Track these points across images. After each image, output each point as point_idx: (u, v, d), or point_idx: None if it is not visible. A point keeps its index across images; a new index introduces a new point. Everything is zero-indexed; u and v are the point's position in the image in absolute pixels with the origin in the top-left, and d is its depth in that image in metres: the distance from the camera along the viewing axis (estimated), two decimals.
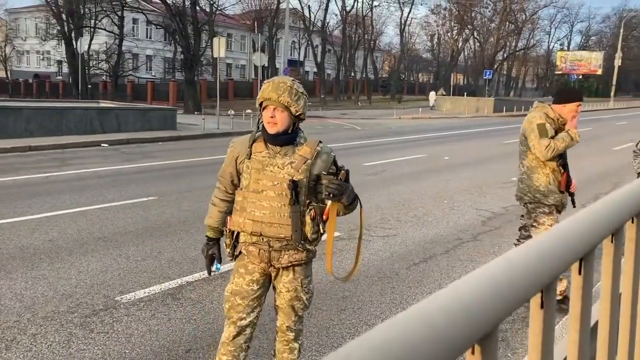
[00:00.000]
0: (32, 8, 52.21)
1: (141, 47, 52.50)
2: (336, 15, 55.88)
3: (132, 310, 4.33)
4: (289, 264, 2.70)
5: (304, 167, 2.61)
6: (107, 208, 7.81)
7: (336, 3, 56.40)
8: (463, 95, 48.78)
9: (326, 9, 51.84)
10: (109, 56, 43.26)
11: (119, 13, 41.08)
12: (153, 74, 52.48)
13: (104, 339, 3.86)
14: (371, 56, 57.65)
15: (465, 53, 68.43)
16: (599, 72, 67.95)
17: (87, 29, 41.61)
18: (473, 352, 0.61)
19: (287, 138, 2.63)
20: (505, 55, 67.66)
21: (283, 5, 40.67)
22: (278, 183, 2.60)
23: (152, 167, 11.94)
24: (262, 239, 2.65)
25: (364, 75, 56.42)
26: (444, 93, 48.35)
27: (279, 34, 48.83)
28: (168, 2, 34.19)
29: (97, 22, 42.14)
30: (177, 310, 4.38)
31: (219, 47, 19.73)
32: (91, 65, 43.36)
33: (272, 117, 2.56)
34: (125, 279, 5.03)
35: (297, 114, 2.59)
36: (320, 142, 2.72)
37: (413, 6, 57.88)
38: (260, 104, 2.62)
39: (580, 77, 70.28)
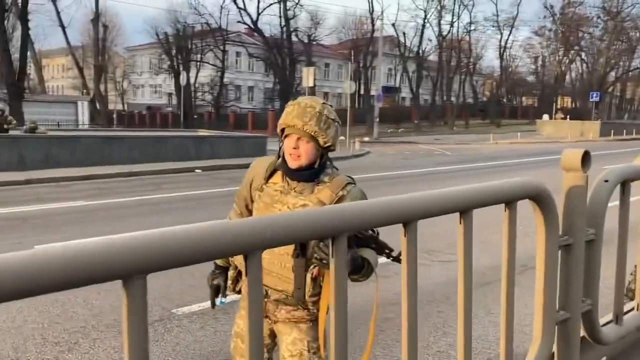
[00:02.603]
0: (146, 45, 56.78)
1: (243, 79, 55.28)
2: (431, 40, 55.62)
3: (183, 322, 4.64)
4: (287, 320, 2.31)
5: None
6: None
7: (432, 29, 56.08)
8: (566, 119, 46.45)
9: (421, 35, 51.88)
10: (212, 88, 45.90)
11: (222, 47, 43.62)
12: (254, 104, 54.94)
13: (153, 347, 4.17)
14: (470, 80, 56.74)
15: (573, 75, 65.41)
16: None
17: (193, 62, 44.65)
18: None
19: (309, 174, 2.19)
20: (617, 75, 63.76)
21: (378, 34, 41.30)
22: None
23: None
24: None
25: (461, 100, 55.55)
26: (563, 116, 45.23)
27: (374, 61, 49.51)
28: (266, 35, 36.01)
29: (202, 56, 45.07)
30: (225, 323, 4.62)
31: (308, 77, 20.42)
32: (197, 97, 46.31)
33: (295, 148, 2.14)
34: (185, 293, 5.39)
35: (326, 145, 2.16)
36: (351, 182, 2.23)
37: (513, 29, 56.30)
38: (282, 131, 2.20)
39: None
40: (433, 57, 56.62)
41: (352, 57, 51.76)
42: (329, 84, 62.27)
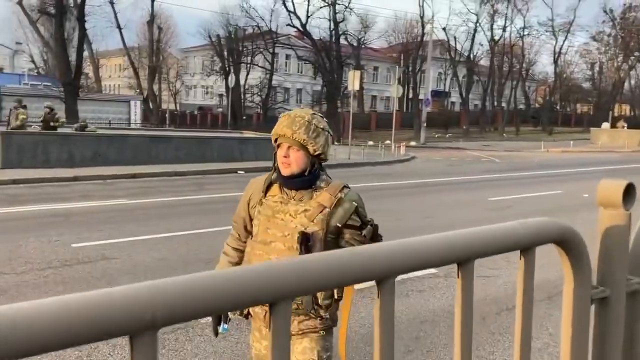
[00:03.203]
0: (199, 47, 57.78)
1: (291, 81, 55.52)
2: (482, 45, 54.31)
3: (206, 332, 4.52)
4: (300, 332, 2.29)
5: (320, 217, 2.22)
6: (223, 231, 8.27)
7: (484, 33, 54.78)
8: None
9: (472, 39, 50.79)
10: (260, 90, 46.28)
11: (271, 50, 43.90)
12: (302, 107, 55.04)
13: (172, 356, 4.07)
14: (522, 86, 55.22)
15: (632, 82, 62.68)
16: None
17: (244, 65, 45.12)
18: None
19: (304, 181, 2.26)
20: None
21: (428, 37, 40.74)
22: (289, 234, 2.22)
23: None
24: None
25: (512, 106, 54.10)
26: (625, 125, 42.71)
27: (424, 65, 48.87)
28: (315, 38, 36.05)
29: (252, 58, 45.49)
30: (247, 335, 4.47)
31: (354, 80, 20.22)
32: (246, 98, 46.75)
33: (285, 156, 2.23)
34: None
35: (316, 153, 2.24)
36: (346, 186, 2.32)
37: (569, 34, 54.33)
38: (275, 141, 2.27)
39: None
40: (484, 62, 55.40)
41: (402, 61, 51.22)
42: (377, 87, 61.90)
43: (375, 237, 2.16)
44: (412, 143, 34.88)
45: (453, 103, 63.93)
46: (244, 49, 45.03)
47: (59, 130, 15.79)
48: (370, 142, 33.08)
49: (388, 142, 27.85)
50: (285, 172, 2.24)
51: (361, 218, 2.19)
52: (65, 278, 5.87)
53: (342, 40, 40.87)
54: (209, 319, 4.75)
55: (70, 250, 6.92)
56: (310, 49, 41.09)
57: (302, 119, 2.21)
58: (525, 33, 53.24)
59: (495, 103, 55.10)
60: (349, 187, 2.32)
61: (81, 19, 26.23)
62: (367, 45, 48.44)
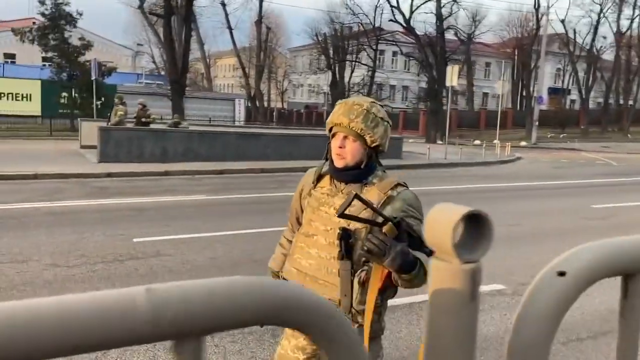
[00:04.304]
0: (307, 46, 58.63)
1: (397, 78, 54.64)
2: (605, 38, 49.74)
3: (224, 341, 4.21)
4: None
5: (364, 214, 2.01)
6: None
7: (610, 25, 50.13)
8: None
9: (595, 32, 46.79)
10: (362, 87, 45.97)
11: (374, 47, 43.41)
12: (407, 104, 54.09)
13: None
14: None
15: None
16: None
17: (348, 62, 45.02)
18: None
19: (356, 174, 2.12)
20: None
21: (543, 31, 38.12)
22: (331, 229, 2.09)
23: None
24: None
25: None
26: None
27: (539, 61, 45.85)
28: (419, 33, 35.02)
29: (357, 56, 45.25)
30: (267, 348, 4.11)
31: (452, 75, 19.22)
32: (349, 96, 46.62)
33: (340, 147, 2.08)
34: None
35: (374, 144, 2.09)
36: (400, 184, 2.12)
37: None
38: (330, 130, 2.14)
39: None
40: (607, 56, 50.89)
41: (516, 56, 48.35)
42: (489, 84, 59.20)
43: (400, 237, 1.81)
44: (522, 143, 32.83)
45: (573, 101, 59.53)
46: (349, 46, 44.89)
47: (152, 126, 16.40)
48: (477, 141, 31.58)
49: (496, 141, 26.34)
50: (339, 163, 2.12)
51: (381, 214, 1.88)
52: (112, 274, 5.84)
53: (450, 36, 39.38)
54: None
55: (129, 245, 6.95)
56: (415, 45, 40.10)
57: (360, 107, 2.08)
58: None
59: (622, 101, 50.47)
60: (404, 186, 2.13)
61: (187, 19, 27.29)
62: (476, 40, 46.30)
